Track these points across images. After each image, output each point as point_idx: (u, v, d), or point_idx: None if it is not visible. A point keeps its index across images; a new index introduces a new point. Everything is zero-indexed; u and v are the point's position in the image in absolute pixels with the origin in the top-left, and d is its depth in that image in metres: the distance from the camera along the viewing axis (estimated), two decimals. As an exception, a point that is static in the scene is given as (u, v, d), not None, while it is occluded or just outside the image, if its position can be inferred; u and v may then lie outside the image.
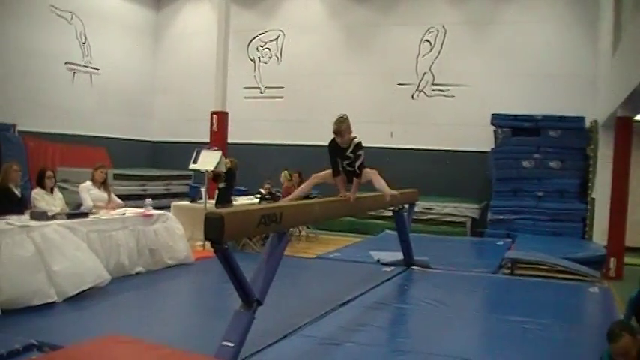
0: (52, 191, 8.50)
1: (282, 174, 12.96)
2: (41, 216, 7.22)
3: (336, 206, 6.88)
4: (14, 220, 6.90)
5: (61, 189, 9.33)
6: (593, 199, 13.21)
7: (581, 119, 13.94)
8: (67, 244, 6.94)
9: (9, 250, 6.29)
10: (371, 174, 7.11)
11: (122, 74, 17.95)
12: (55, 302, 6.52)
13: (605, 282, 9.75)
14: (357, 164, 6.80)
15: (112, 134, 17.14)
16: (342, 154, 6.80)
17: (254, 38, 18.06)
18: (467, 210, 14.76)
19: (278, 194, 12.48)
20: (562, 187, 13.91)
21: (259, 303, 4.90)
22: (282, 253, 5.28)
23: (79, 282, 6.80)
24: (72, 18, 16.23)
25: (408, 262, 9.87)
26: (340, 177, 6.94)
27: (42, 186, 8.40)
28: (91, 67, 16.89)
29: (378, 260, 10.34)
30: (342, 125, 6.68)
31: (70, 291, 6.67)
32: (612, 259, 10.35)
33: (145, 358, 4.27)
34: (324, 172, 7.02)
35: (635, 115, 10.39)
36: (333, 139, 6.70)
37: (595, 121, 13.50)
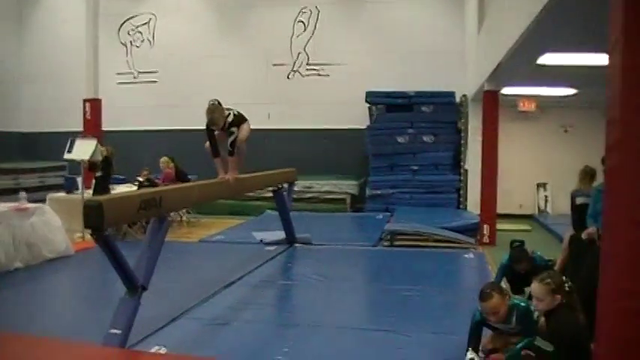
0: None
1: (162, 159, 12.80)
2: None
3: (215, 189, 6.94)
4: None
5: None
6: (466, 170, 13.82)
7: (451, 94, 14.51)
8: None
9: None
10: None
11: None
12: None
13: (480, 248, 10.26)
14: (230, 140, 6.95)
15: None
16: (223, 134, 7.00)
17: (125, 22, 17.60)
18: (346, 186, 15.09)
19: (157, 180, 12.35)
20: (436, 160, 14.47)
21: (144, 288, 4.91)
22: (163, 238, 5.29)
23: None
24: None
25: (290, 240, 10.03)
26: (218, 158, 7.05)
27: None
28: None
29: (261, 240, 10.45)
30: (214, 114, 6.95)
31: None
32: (485, 226, 10.88)
33: (34, 353, 4.20)
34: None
35: (501, 88, 10.90)
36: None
37: (465, 96, 14.09)
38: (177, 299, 6.52)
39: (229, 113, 7.18)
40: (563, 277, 4.33)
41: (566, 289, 4.17)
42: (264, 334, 5.53)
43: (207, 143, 7.34)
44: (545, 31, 6.22)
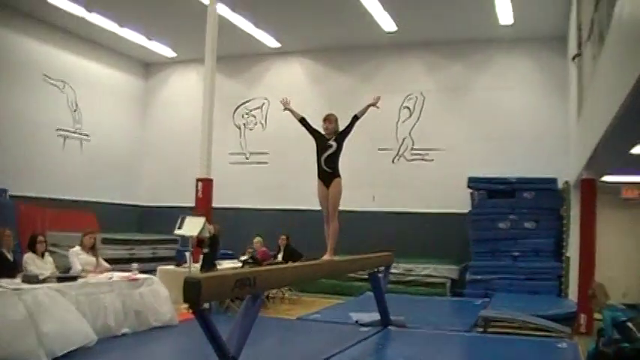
0: (42, 255, 8.88)
1: (255, 240, 13.53)
2: (33, 279, 7.63)
3: (308, 270, 7.30)
4: (7, 283, 7.31)
5: (51, 253, 9.65)
6: (568, 257, 13.64)
7: (553, 180, 14.51)
8: (57, 307, 7.32)
9: (1, 312, 6.66)
10: (333, 217, 7.72)
11: (111, 140, 18.51)
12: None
13: (576, 337, 10.08)
14: (327, 154, 7.57)
15: (100, 199, 17.55)
16: (324, 142, 7.51)
17: (240, 106, 18.73)
18: (446, 271, 15.16)
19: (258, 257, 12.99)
20: (537, 247, 14.39)
21: (234, 359, 5.29)
22: (256, 314, 5.66)
23: (67, 343, 7.13)
24: (64, 86, 16.86)
25: (384, 322, 10.21)
26: (332, 229, 7.54)
27: (33, 250, 8.78)
28: (81, 134, 17.43)
29: (357, 321, 10.64)
30: (331, 115, 7.58)
31: (57, 351, 6.98)
32: (582, 315, 10.71)
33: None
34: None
35: (599, 177, 10.90)
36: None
37: (567, 182, 14.03)
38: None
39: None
40: None
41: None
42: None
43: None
44: (633, 123, 6.27)
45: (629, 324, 5.81)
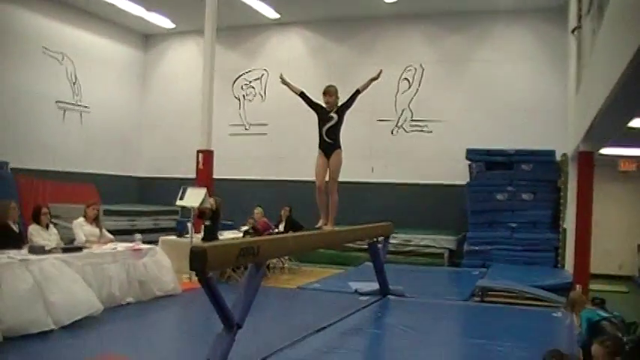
0: (47, 227, 9.00)
1: (256, 210, 13.63)
2: (39, 250, 7.76)
3: (309, 239, 7.44)
4: (14, 254, 7.44)
5: (54, 225, 9.79)
6: (565, 229, 13.78)
7: (551, 153, 14.58)
8: (63, 277, 7.47)
9: (10, 282, 6.79)
10: (333, 188, 7.78)
11: (111, 112, 18.53)
12: (52, 330, 6.98)
13: (571, 307, 10.27)
14: (328, 125, 7.65)
15: (100, 170, 17.66)
16: (325, 114, 7.62)
17: (239, 77, 18.74)
18: (444, 241, 15.28)
19: (259, 227, 13.11)
20: (535, 219, 14.50)
21: (239, 326, 5.44)
22: (259, 282, 5.82)
23: (74, 312, 7.30)
24: (63, 59, 16.83)
25: (383, 291, 10.38)
26: (323, 197, 7.54)
27: (38, 222, 8.89)
28: (81, 106, 17.45)
29: (356, 290, 10.83)
30: (330, 88, 7.64)
31: (65, 320, 7.16)
32: (578, 286, 10.83)
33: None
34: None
35: (596, 149, 11.00)
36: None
37: (565, 155, 14.12)
38: (270, 340, 7.00)
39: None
40: (625, 338, 4.52)
41: (627, 349, 4.36)
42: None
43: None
44: (631, 97, 6.34)
45: (603, 322, 5.96)
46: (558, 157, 14.56)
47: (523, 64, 16.12)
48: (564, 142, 14.19)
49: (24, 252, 7.78)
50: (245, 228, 13.12)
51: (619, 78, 5.58)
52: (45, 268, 7.31)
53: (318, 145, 7.82)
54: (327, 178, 7.80)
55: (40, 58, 16.14)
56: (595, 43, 8.51)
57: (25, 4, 15.67)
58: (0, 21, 15.01)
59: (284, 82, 8.11)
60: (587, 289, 10.90)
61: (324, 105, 7.76)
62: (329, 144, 7.68)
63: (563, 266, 13.72)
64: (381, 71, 8.09)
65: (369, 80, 7.92)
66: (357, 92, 7.77)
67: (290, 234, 8.60)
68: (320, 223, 7.89)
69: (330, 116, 7.64)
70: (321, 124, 7.71)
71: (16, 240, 8.46)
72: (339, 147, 7.78)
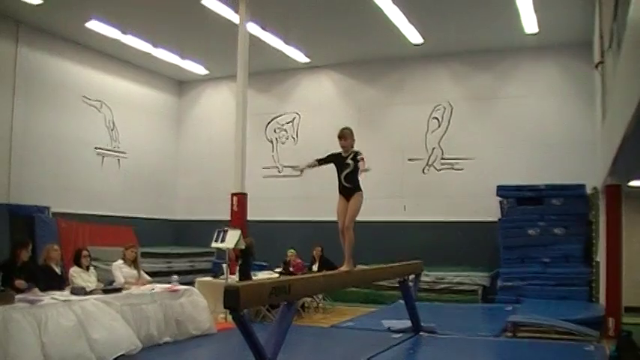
0: (87, 269, 9.35)
1: (289, 252, 14.04)
2: (80, 291, 8.11)
3: (338, 278, 7.66)
4: (57, 295, 7.77)
5: (93, 267, 10.10)
6: (598, 262, 13.75)
7: (582, 187, 14.61)
8: (104, 316, 7.79)
9: (54, 320, 7.11)
10: (349, 227, 7.79)
11: (147, 157, 19.06)
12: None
13: (604, 341, 10.19)
14: (345, 173, 7.67)
15: (138, 214, 18.07)
16: (342, 161, 7.68)
17: (271, 120, 19.15)
18: (477, 278, 15.31)
19: (291, 269, 13.43)
20: (567, 253, 14.47)
21: (271, 362, 5.65)
22: (291, 319, 6.04)
23: (116, 348, 7.62)
24: (101, 106, 17.45)
25: (415, 328, 10.49)
26: (348, 239, 7.68)
27: (78, 264, 9.25)
28: (119, 152, 17.99)
29: (389, 328, 10.95)
30: (345, 131, 7.66)
31: (107, 356, 7.46)
32: (610, 319, 10.81)
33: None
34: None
35: (625, 182, 11.02)
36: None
37: (595, 188, 14.14)
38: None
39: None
40: None
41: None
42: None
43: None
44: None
45: None
46: (589, 191, 14.58)
47: (550, 99, 16.25)
48: (594, 176, 14.22)
49: (66, 293, 8.16)
50: (279, 270, 13.41)
51: (635, 110, 5.69)
52: (87, 308, 7.64)
53: (338, 191, 7.89)
54: None
55: (79, 106, 16.75)
56: (615, 75, 8.65)
57: (65, 55, 16.32)
58: (41, 71, 15.63)
59: (304, 170, 8.31)
60: (620, 322, 10.89)
61: (339, 151, 7.85)
62: (348, 188, 7.74)
63: (597, 300, 13.65)
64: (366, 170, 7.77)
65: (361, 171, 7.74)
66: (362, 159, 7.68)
67: (321, 273, 8.80)
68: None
69: (346, 163, 7.70)
70: (339, 172, 7.78)
71: (59, 282, 8.85)
72: (360, 190, 7.80)
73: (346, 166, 7.71)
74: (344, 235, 7.82)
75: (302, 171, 8.31)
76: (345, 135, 7.74)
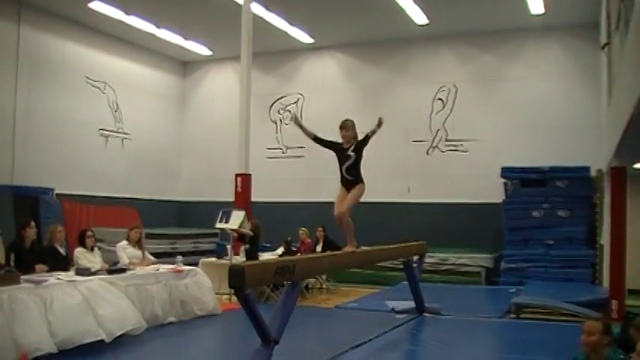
0: (92, 249, 9.38)
1: (301, 230, 14.03)
2: (85, 272, 8.13)
3: (343, 259, 7.67)
4: (62, 275, 7.81)
5: (98, 247, 10.12)
6: (602, 245, 13.75)
7: (586, 169, 14.58)
8: (110, 295, 7.82)
9: (60, 300, 7.14)
10: (345, 218, 7.65)
11: (151, 138, 19.06)
12: (102, 343, 7.29)
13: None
14: (347, 164, 7.52)
15: (141, 195, 18.10)
16: (343, 153, 7.56)
17: (275, 101, 19.11)
18: (481, 260, 15.33)
19: (293, 249, 13.44)
20: (571, 235, 14.48)
21: (276, 342, 5.66)
22: (296, 299, 6.05)
23: (123, 324, 7.66)
24: (105, 87, 17.42)
25: (419, 309, 10.52)
26: (345, 223, 7.62)
27: (83, 245, 9.28)
28: (123, 133, 17.99)
29: (392, 309, 10.98)
30: (347, 122, 7.56)
31: (115, 331, 7.49)
32: (614, 301, 10.81)
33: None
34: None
35: (630, 164, 10.99)
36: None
37: (600, 170, 14.11)
38: (306, 356, 7.24)
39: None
40: None
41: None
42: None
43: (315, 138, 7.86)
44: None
45: None
46: (593, 173, 14.55)
47: (556, 80, 16.19)
48: (599, 158, 14.18)
49: (71, 274, 8.18)
50: (280, 251, 13.44)
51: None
52: (92, 287, 7.66)
53: (340, 182, 7.75)
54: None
55: (83, 87, 16.72)
56: (622, 57, 8.61)
57: (68, 36, 16.28)
58: (44, 52, 15.59)
59: (298, 125, 7.94)
60: (623, 304, 10.90)
61: (340, 141, 7.67)
62: (350, 181, 7.61)
63: (601, 282, 13.66)
64: (380, 119, 7.68)
65: (376, 127, 7.58)
66: (368, 137, 7.56)
67: (325, 253, 8.81)
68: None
69: (347, 155, 7.53)
70: (340, 163, 7.62)
71: (63, 262, 8.88)
72: (362, 181, 7.66)
73: (347, 158, 7.54)
74: (340, 222, 7.68)
75: (297, 122, 7.97)
76: (347, 126, 7.58)
